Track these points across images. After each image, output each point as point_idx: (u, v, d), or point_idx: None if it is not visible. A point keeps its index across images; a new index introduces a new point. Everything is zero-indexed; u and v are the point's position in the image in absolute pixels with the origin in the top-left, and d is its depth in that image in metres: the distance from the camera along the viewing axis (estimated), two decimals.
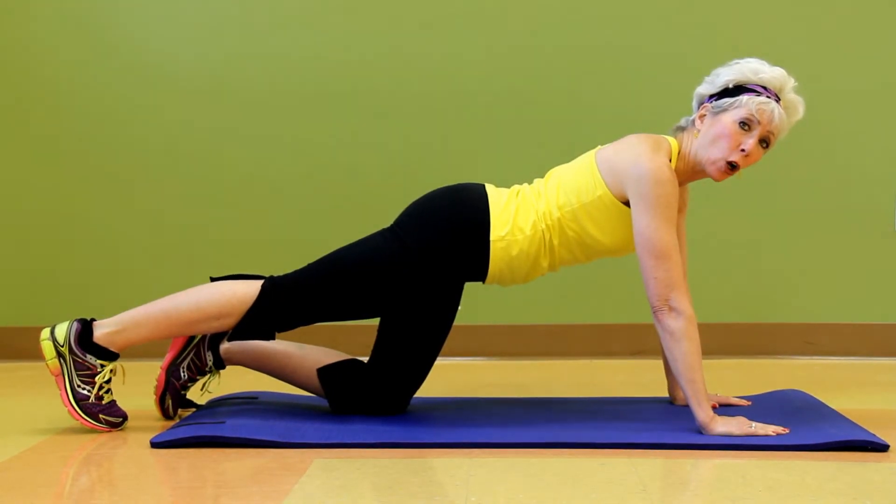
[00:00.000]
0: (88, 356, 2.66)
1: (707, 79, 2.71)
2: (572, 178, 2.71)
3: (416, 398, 2.91)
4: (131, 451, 2.49)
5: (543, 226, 2.69)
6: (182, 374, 2.82)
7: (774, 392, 3.12)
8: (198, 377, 2.84)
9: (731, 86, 2.64)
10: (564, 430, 2.57)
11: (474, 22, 4.15)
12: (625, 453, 2.40)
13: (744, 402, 2.94)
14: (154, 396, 2.84)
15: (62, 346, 2.66)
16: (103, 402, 2.67)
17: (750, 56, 2.68)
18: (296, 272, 2.75)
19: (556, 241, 2.70)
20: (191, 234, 4.19)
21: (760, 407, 2.88)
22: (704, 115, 2.67)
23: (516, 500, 2.03)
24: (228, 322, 2.71)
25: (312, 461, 2.33)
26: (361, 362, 2.79)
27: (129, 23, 4.19)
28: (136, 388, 2.93)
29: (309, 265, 2.76)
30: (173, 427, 2.60)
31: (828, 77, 4.06)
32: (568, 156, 2.84)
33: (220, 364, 2.84)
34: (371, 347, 2.78)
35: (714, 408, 2.67)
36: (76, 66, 4.19)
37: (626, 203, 2.65)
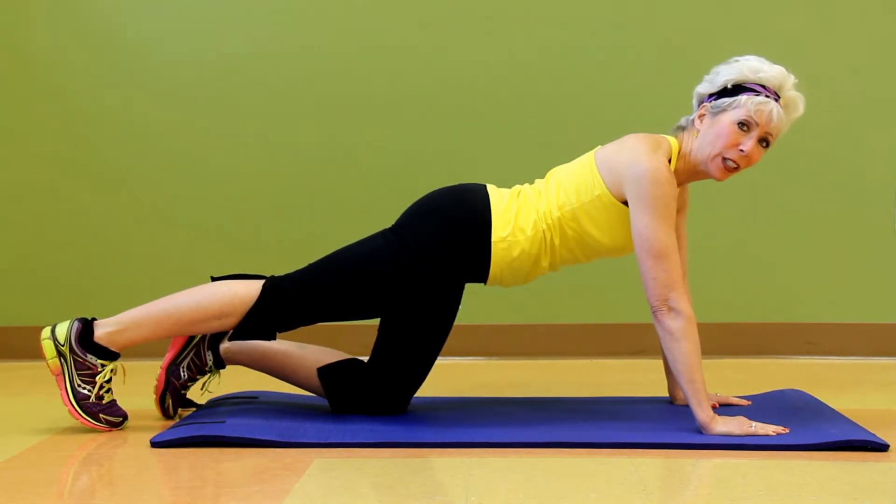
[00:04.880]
0: (89, 356, 2.66)
1: (707, 77, 2.70)
2: (572, 178, 2.71)
3: (417, 398, 2.91)
4: (131, 450, 2.49)
5: (544, 226, 2.69)
6: (182, 374, 2.82)
7: (774, 392, 3.12)
8: (198, 377, 2.84)
9: (729, 85, 2.64)
10: (564, 430, 2.57)
11: (475, 22, 4.15)
12: (625, 453, 2.40)
13: (744, 402, 2.94)
14: (154, 396, 2.84)
15: (63, 346, 2.66)
16: (104, 402, 2.67)
17: (750, 54, 2.68)
18: (297, 272, 2.75)
19: (556, 241, 2.70)
20: (191, 233, 4.18)
21: (760, 407, 2.88)
22: (704, 115, 2.67)
23: (516, 499, 2.03)
24: (229, 322, 2.71)
25: (312, 461, 2.33)
26: (361, 362, 2.79)
27: (131, 24, 4.18)
28: (137, 387, 2.93)
29: (310, 265, 2.76)
30: (173, 427, 2.60)
31: (828, 77, 4.06)
32: (569, 155, 2.84)
33: (220, 364, 2.84)
34: (371, 347, 2.78)
35: (714, 407, 2.67)
36: (76, 68, 4.19)
37: (626, 203, 2.64)
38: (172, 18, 4.17)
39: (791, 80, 2.65)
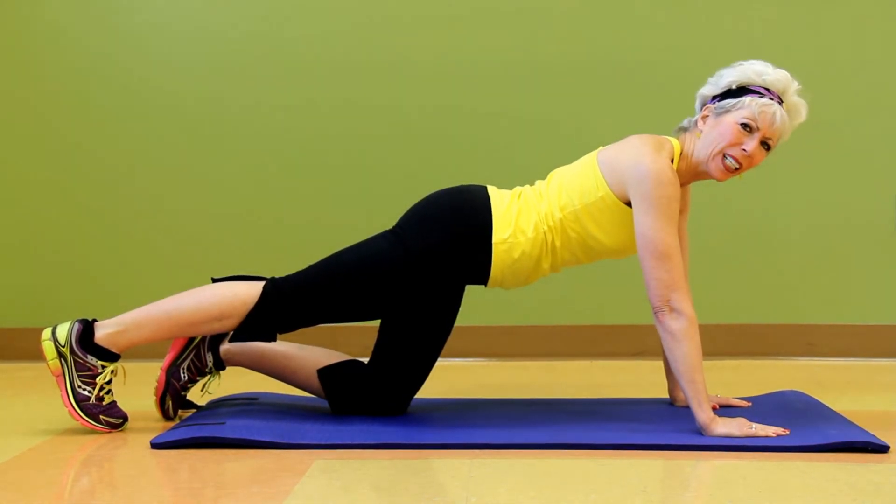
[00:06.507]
0: (89, 357, 2.66)
1: (710, 80, 2.71)
2: (574, 179, 2.71)
3: (417, 399, 2.91)
4: (131, 452, 2.49)
5: (545, 227, 2.69)
6: (182, 375, 2.82)
7: (775, 393, 3.12)
8: (198, 378, 2.84)
9: (734, 87, 2.64)
10: (565, 431, 2.57)
11: (478, 22, 4.15)
12: (625, 454, 2.40)
13: (744, 403, 2.94)
14: (154, 397, 2.84)
15: (63, 347, 2.66)
16: (104, 403, 2.67)
17: (753, 57, 2.68)
18: (298, 273, 2.75)
19: (557, 243, 2.70)
20: (192, 234, 4.19)
21: (761, 408, 2.88)
22: (707, 116, 2.67)
23: (516, 500, 2.03)
24: (230, 323, 2.71)
25: (313, 462, 2.33)
26: (362, 363, 2.79)
27: (135, 20, 4.19)
28: (137, 388, 2.93)
29: (311, 266, 2.76)
30: (173, 428, 2.61)
31: (828, 77, 4.06)
32: (570, 157, 2.84)
33: (220, 365, 2.84)
34: (371, 348, 2.78)
35: (714, 409, 2.67)
36: (76, 67, 4.19)
37: (628, 204, 2.65)
38: (179, 11, 4.17)
39: (795, 85, 2.65)
